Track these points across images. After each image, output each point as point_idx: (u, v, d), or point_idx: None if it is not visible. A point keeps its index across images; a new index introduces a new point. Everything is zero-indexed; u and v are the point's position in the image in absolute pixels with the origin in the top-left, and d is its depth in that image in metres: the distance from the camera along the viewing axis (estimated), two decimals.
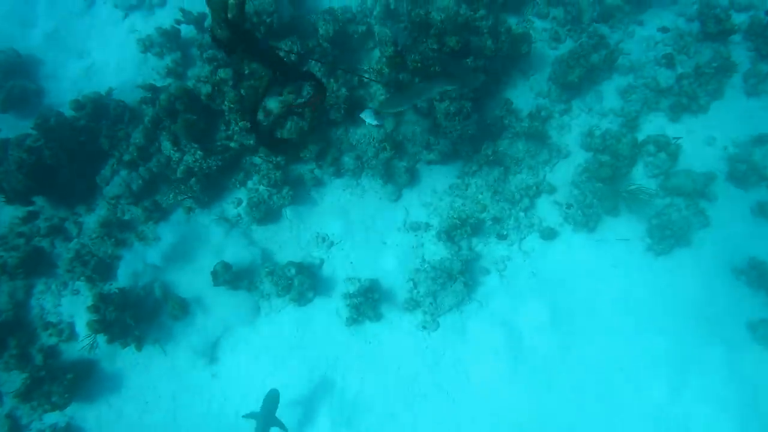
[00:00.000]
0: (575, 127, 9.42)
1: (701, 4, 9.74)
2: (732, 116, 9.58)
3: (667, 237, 8.81)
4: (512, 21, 9.60)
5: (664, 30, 9.79)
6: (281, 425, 7.80)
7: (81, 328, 8.97)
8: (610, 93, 9.58)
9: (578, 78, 9.07)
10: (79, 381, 8.70)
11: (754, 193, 9.22)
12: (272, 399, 7.77)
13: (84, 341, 8.70)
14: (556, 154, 9.26)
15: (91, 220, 9.31)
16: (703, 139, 9.48)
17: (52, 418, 8.80)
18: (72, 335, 9.06)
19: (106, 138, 9.24)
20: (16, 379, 8.71)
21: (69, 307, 9.17)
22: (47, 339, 9.04)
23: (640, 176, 9.31)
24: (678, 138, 9.14)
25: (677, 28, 9.85)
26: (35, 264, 9.19)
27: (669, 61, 9.54)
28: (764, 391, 8.55)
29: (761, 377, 8.58)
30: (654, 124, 9.53)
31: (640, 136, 9.37)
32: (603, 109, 9.48)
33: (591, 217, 8.89)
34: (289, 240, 9.09)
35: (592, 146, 9.18)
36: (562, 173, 9.29)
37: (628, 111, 9.39)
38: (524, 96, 9.46)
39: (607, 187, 8.87)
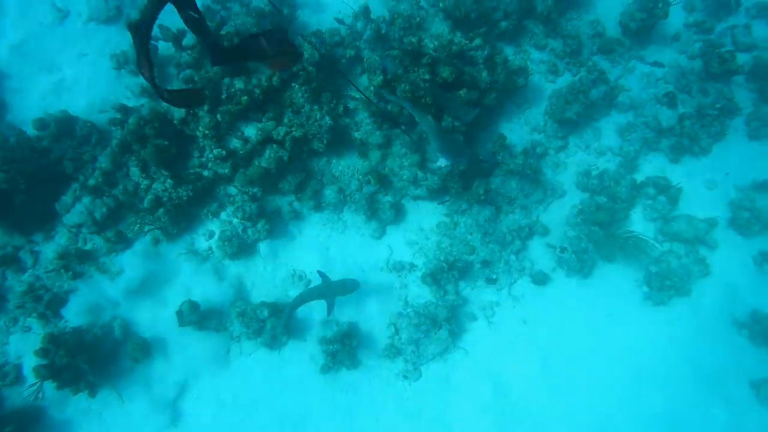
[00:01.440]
0: (571, 165, 8.93)
1: (705, 43, 9.38)
2: (734, 160, 9.23)
3: (667, 287, 8.32)
4: (509, 51, 9.15)
5: (657, 65, 9.41)
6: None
7: (29, 370, 8.13)
8: (608, 131, 9.13)
9: (576, 114, 8.60)
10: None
11: (757, 242, 8.83)
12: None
13: (29, 387, 7.89)
14: (550, 194, 8.75)
15: (48, 249, 8.56)
16: (704, 183, 9.09)
17: None
18: (18, 378, 8.19)
19: (70, 161, 8.56)
20: None
21: (17, 346, 8.31)
22: None
23: (639, 219, 8.87)
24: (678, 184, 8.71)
25: (679, 66, 9.47)
26: None
27: (671, 100, 9.13)
28: None
29: None
30: (653, 165, 9.11)
31: (639, 177, 8.94)
32: (601, 147, 9.02)
33: (586, 262, 8.37)
34: (263, 277, 8.43)
35: (588, 187, 8.68)
36: (557, 214, 8.77)
37: (627, 151, 8.94)
38: (519, 130, 8.97)
39: (603, 232, 8.36)
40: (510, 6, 8.92)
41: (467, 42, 8.31)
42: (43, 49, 9.93)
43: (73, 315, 8.29)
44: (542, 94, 9.08)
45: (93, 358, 7.93)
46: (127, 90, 9.28)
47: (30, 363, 8.00)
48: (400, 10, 8.69)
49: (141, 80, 9.18)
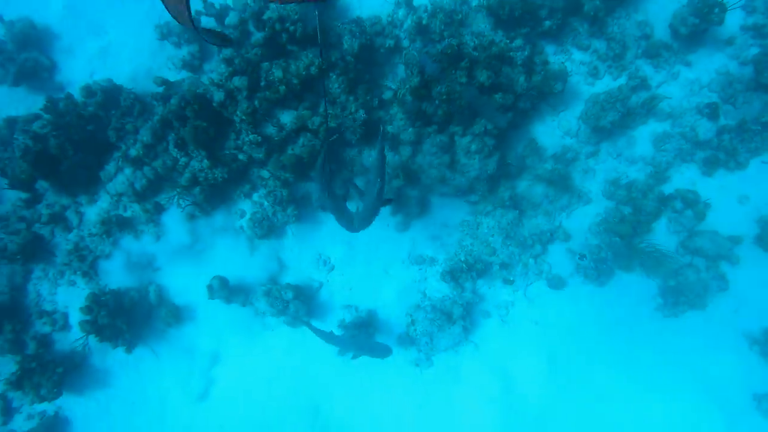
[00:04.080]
0: (600, 173, 8.93)
1: (762, 49, 8.93)
2: None
3: (681, 302, 8.46)
4: (550, 50, 8.97)
5: None
6: None
7: (75, 318, 8.91)
8: (643, 139, 9.01)
9: (611, 123, 8.51)
10: (69, 374, 8.74)
11: None
12: None
13: (77, 341, 8.70)
14: (576, 200, 8.82)
15: (92, 212, 9.10)
16: (736, 197, 8.97)
17: (43, 405, 8.89)
18: (66, 326, 9.06)
19: (113, 130, 8.92)
20: (10, 363, 8.75)
21: (64, 297, 9.11)
22: (41, 327, 9.03)
23: (662, 231, 8.88)
24: (708, 200, 8.66)
25: (728, 73, 9.13)
26: (34, 250, 9.07)
27: (712, 111, 8.88)
28: None
29: None
30: (685, 177, 9.01)
31: (669, 189, 8.88)
32: (633, 155, 8.94)
33: (603, 271, 8.54)
34: (289, 259, 8.86)
35: (615, 196, 8.71)
36: (580, 220, 8.87)
37: (660, 161, 8.86)
38: (551, 133, 8.93)
39: (624, 243, 8.46)
40: (556, 3, 8.67)
41: (508, 42, 8.21)
42: (93, 11, 10.09)
43: (113, 278, 8.94)
44: (580, 96, 8.95)
45: (130, 319, 8.62)
46: (169, 62, 9.48)
47: (75, 313, 8.81)
48: (443, 4, 8.55)
49: (183, 53, 9.37)
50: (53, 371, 8.53)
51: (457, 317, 8.30)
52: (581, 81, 9.06)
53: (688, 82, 9.13)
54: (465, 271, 8.35)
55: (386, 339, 8.61)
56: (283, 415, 8.54)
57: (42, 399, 8.45)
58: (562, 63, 8.73)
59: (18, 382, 8.39)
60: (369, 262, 8.79)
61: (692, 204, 8.68)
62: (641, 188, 8.64)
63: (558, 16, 8.75)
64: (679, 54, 9.14)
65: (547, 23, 8.68)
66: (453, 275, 8.40)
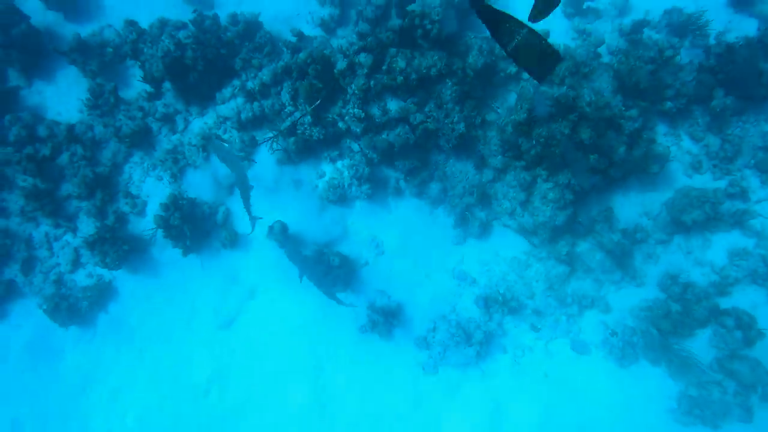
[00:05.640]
0: (663, 263, 8.91)
1: None
2: None
3: (695, 415, 8.42)
4: (661, 129, 8.98)
5: None
6: None
7: (151, 209, 9.96)
8: (719, 246, 8.88)
9: (693, 221, 8.47)
10: (131, 254, 9.81)
11: None
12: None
13: (147, 230, 9.77)
14: (629, 279, 8.88)
15: (197, 124, 10.01)
16: None
17: (103, 270, 10.03)
18: (142, 212, 10.11)
19: (241, 60, 9.72)
20: (91, 225, 9.90)
21: (149, 188, 10.14)
22: (123, 206, 10.11)
23: (703, 341, 8.79)
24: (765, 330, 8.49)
25: None
26: (141, 139, 10.10)
27: None
28: None
29: None
30: (747, 298, 8.83)
31: (726, 303, 8.74)
32: (703, 258, 8.85)
33: (629, 355, 8.62)
34: (348, 229, 9.44)
35: (668, 291, 8.69)
36: (625, 299, 8.93)
37: (728, 274, 8.72)
38: (630, 208, 8.96)
39: (660, 338, 8.48)
40: (685, 89, 8.66)
41: (623, 109, 8.31)
42: None
43: (193, 188, 9.89)
44: (673, 184, 8.92)
45: (195, 229, 9.52)
46: (309, 15, 10.13)
47: (153, 205, 9.91)
48: (575, 54, 8.71)
49: (323, 13, 9.98)
50: (120, 246, 9.61)
51: (476, 341, 8.65)
52: (680, 170, 9.01)
53: None
54: (499, 303, 8.66)
55: (405, 332, 9.10)
56: (291, 365, 9.23)
57: (105, 265, 9.62)
58: (668, 147, 8.72)
59: (92, 244, 9.54)
60: (416, 262, 9.25)
61: (745, 327, 8.52)
62: (698, 293, 8.57)
63: (682, 101, 8.75)
64: None
65: (669, 104, 8.70)
66: (486, 302, 8.75)
